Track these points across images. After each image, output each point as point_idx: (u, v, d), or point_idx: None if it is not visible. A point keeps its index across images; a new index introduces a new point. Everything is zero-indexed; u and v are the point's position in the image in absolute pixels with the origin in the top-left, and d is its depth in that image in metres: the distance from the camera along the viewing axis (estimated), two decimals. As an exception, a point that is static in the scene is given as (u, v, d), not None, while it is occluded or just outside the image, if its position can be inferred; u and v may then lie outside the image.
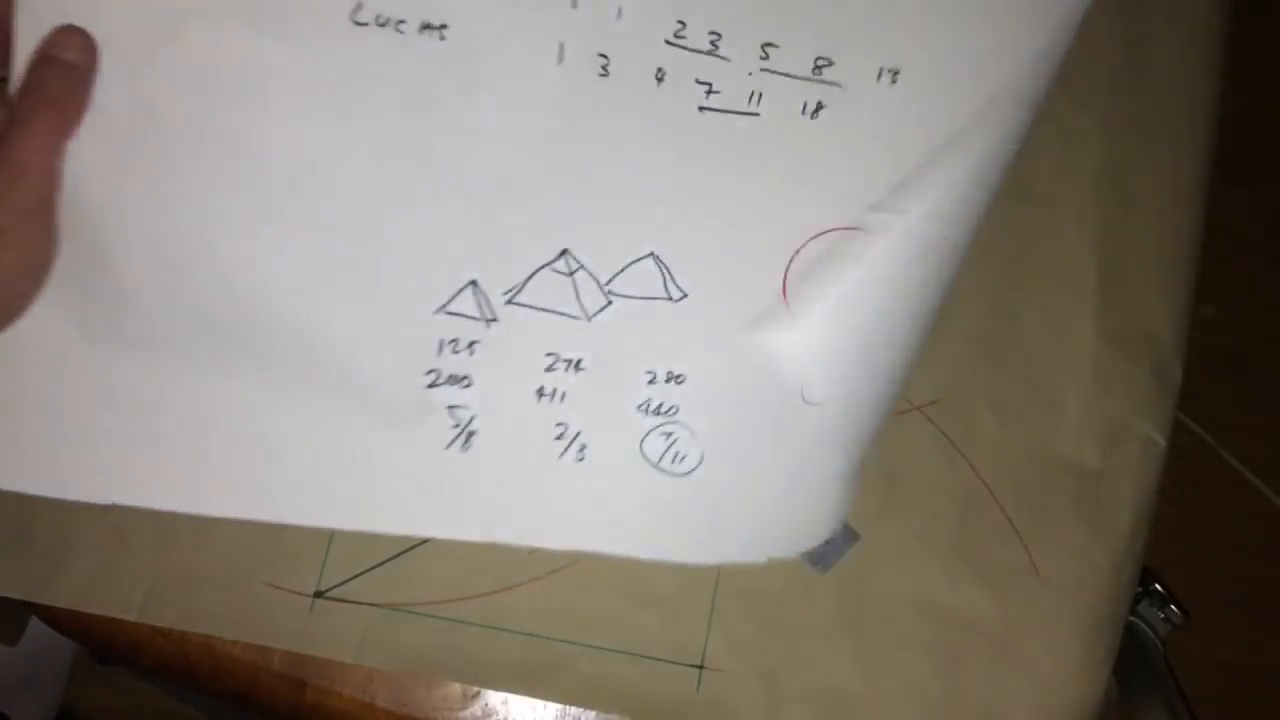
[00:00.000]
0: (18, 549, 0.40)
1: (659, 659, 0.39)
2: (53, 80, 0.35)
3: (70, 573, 0.40)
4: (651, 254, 0.38)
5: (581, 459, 0.38)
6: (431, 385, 0.37)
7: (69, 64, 0.35)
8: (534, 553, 0.39)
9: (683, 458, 0.38)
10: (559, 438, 0.38)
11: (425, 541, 0.40)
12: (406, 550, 0.40)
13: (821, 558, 0.40)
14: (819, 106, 0.38)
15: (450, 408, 0.38)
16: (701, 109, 0.38)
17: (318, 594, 0.40)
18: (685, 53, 0.38)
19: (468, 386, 0.38)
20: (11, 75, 0.36)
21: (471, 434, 0.38)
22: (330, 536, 0.40)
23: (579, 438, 0.38)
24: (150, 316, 0.36)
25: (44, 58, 0.35)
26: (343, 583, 0.40)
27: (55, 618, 0.41)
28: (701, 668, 0.39)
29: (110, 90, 0.35)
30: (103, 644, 0.41)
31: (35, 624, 0.86)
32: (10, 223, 0.34)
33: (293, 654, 0.40)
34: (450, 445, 0.38)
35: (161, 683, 0.46)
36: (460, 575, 0.40)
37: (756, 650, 0.39)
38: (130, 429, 0.37)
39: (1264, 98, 1.14)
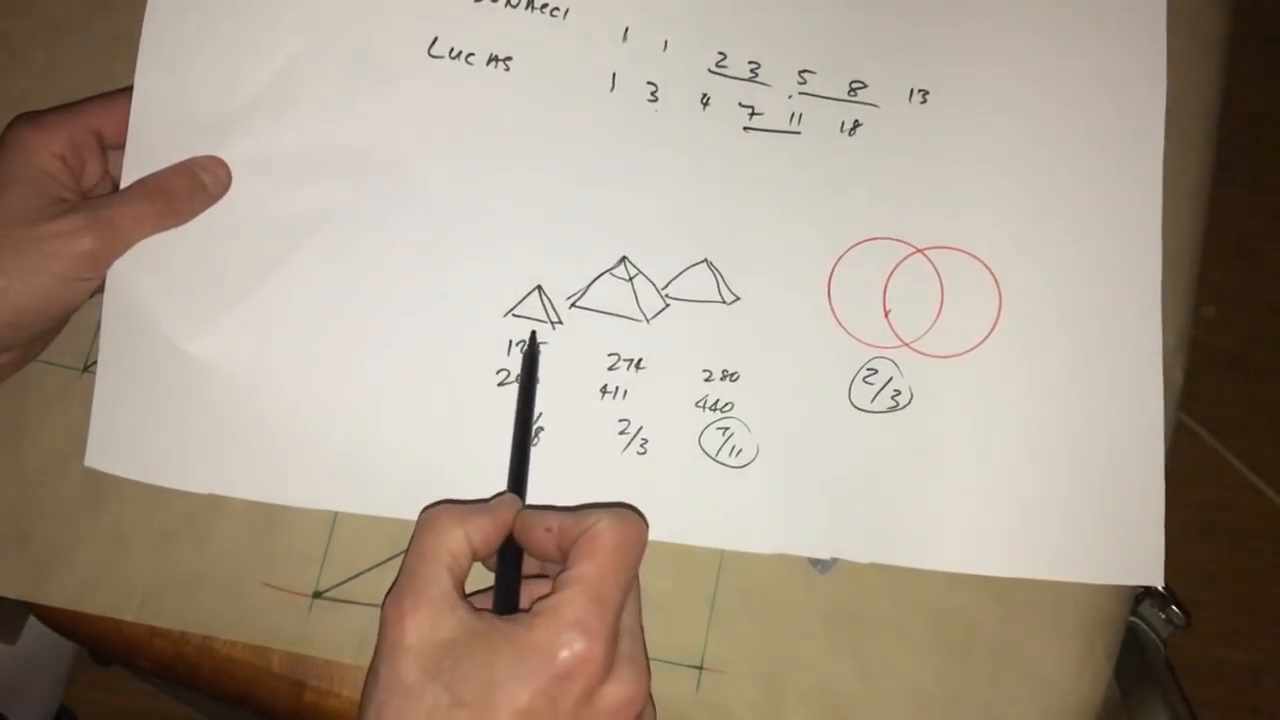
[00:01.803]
0: (17, 549, 0.40)
1: (658, 660, 0.39)
2: (182, 184, 0.39)
3: (68, 573, 0.40)
4: (705, 260, 0.41)
5: (643, 452, 0.40)
6: (502, 384, 0.40)
7: (202, 183, 0.40)
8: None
9: (739, 451, 0.40)
10: (622, 433, 0.40)
11: (424, 542, 0.40)
12: (405, 550, 0.40)
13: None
14: (856, 124, 0.42)
15: None
16: (746, 129, 0.42)
17: (317, 594, 0.40)
18: (728, 80, 0.42)
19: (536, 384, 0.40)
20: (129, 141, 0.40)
21: (540, 429, 0.40)
22: (329, 536, 0.40)
23: (641, 432, 0.40)
24: (243, 320, 0.40)
25: (186, 168, 0.40)
26: (342, 583, 0.40)
27: (53, 618, 0.41)
28: (701, 669, 0.39)
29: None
30: (101, 644, 0.41)
31: (34, 624, 0.86)
32: (65, 259, 0.37)
33: (292, 654, 0.40)
34: None
35: (160, 683, 0.46)
36: (459, 575, 0.40)
37: (756, 651, 0.39)
38: (226, 424, 0.39)
39: (1264, 98, 1.14)
